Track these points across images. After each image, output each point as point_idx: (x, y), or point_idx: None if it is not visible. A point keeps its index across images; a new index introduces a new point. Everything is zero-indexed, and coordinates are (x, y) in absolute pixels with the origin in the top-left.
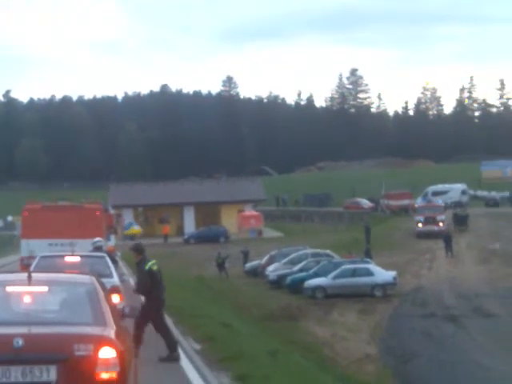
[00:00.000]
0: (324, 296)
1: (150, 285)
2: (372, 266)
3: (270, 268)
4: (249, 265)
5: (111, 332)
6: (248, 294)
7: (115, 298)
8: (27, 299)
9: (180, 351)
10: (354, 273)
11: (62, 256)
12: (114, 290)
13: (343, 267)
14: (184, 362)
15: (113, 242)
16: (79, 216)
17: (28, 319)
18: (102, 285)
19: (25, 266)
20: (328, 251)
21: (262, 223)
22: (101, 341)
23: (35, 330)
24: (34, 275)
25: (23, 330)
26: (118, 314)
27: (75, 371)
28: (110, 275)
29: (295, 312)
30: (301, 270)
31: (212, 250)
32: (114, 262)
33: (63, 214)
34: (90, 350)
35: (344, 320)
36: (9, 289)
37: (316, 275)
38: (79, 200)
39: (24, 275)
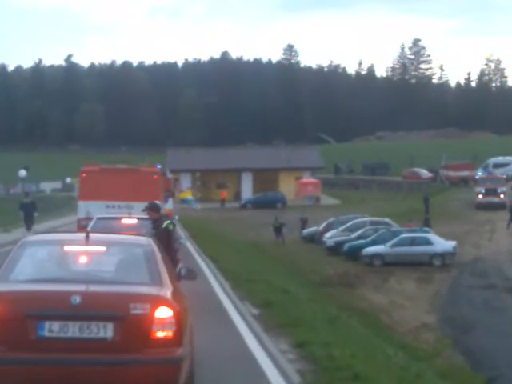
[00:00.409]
0: (381, 264)
1: (165, 243)
2: (431, 235)
3: (328, 235)
4: (306, 231)
5: (167, 292)
6: (305, 260)
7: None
8: (85, 258)
9: (237, 315)
10: (413, 241)
11: (119, 218)
12: None
13: (402, 235)
14: (241, 327)
15: (170, 205)
16: (137, 179)
17: (85, 278)
18: (159, 246)
19: (82, 228)
20: (387, 219)
21: (320, 190)
22: (157, 300)
23: (92, 288)
24: (92, 235)
25: (81, 287)
26: (175, 276)
27: (131, 329)
28: None
29: (352, 279)
30: (359, 238)
31: (269, 215)
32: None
33: (121, 177)
34: (146, 309)
35: (402, 288)
36: (67, 248)
37: (374, 243)
38: (137, 163)
39: (82, 235)
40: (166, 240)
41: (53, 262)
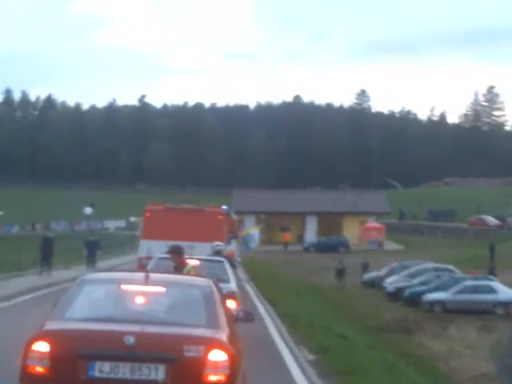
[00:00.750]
0: (442, 311)
1: None
2: (495, 284)
3: (389, 280)
4: (367, 276)
5: (223, 335)
6: (364, 305)
7: (231, 304)
8: (142, 298)
9: (292, 360)
10: (476, 289)
11: None
12: (231, 295)
13: (465, 283)
14: (296, 373)
15: (233, 246)
16: (201, 219)
17: (141, 318)
18: (219, 289)
19: (142, 267)
20: (450, 266)
21: (384, 235)
22: (212, 343)
23: (147, 328)
24: (152, 275)
25: (135, 328)
26: (233, 319)
27: (184, 372)
28: (227, 280)
29: (411, 325)
30: (421, 284)
31: (331, 259)
32: (233, 266)
33: (185, 217)
34: (200, 351)
35: (462, 336)
36: (125, 287)
37: (436, 289)
38: (202, 204)
39: (141, 274)
40: None
41: (109, 301)
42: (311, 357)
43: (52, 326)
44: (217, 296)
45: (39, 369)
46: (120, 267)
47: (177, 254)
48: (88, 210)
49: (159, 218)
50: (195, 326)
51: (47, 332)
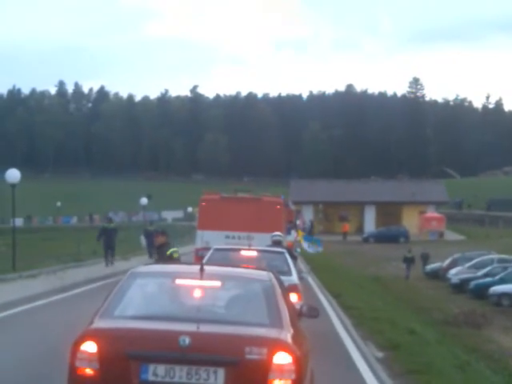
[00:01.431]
0: (510, 304)
1: None
2: None
3: (453, 271)
4: (429, 267)
5: (288, 335)
6: (428, 297)
7: (293, 298)
8: (197, 294)
9: (360, 358)
10: None
11: (238, 249)
12: (293, 288)
13: None
14: (365, 372)
15: (293, 237)
16: (259, 209)
17: (197, 316)
18: (281, 282)
19: (199, 258)
20: None
21: (444, 225)
22: (276, 344)
23: (204, 328)
24: (207, 268)
25: (191, 327)
26: (296, 315)
27: (245, 376)
28: (288, 272)
29: (479, 319)
30: (486, 275)
31: (391, 250)
32: (293, 257)
33: (242, 206)
34: (263, 354)
35: None
36: (179, 281)
37: (502, 281)
38: (259, 193)
39: (196, 268)
40: None
41: (161, 297)
42: (380, 354)
43: (100, 324)
44: (278, 290)
45: (88, 371)
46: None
47: (160, 234)
48: (144, 201)
49: (215, 207)
50: (257, 325)
51: (95, 331)
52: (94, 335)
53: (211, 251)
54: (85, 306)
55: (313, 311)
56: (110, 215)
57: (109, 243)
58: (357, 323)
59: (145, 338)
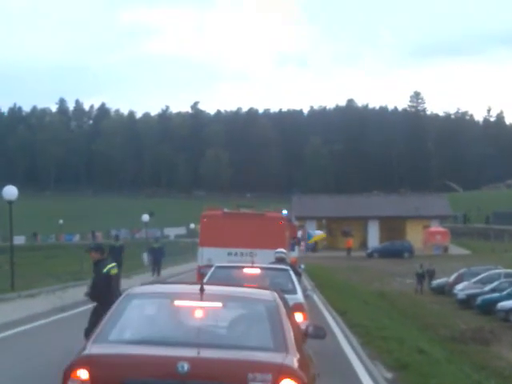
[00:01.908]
0: None
1: (104, 290)
2: None
3: (459, 286)
4: (435, 282)
5: (293, 360)
6: (434, 313)
7: (298, 317)
8: (197, 316)
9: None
10: None
11: (240, 267)
12: (298, 307)
13: None
14: None
15: (296, 253)
16: (261, 224)
17: (196, 340)
18: (285, 302)
19: (201, 276)
20: None
21: (449, 240)
22: (281, 370)
23: (204, 353)
24: (207, 288)
25: (190, 352)
26: (302, 336)
27: None
28: (293, 291)
29: (487, 335)
30: (493, 291)
31: (396, 265)
32: (297, 274)
33: (244, 222)
34: (267, 380)
35: None
36: (177, 303)
37: (510, 297)
38: (262, 209)
39: (196, 288)
40: (104, 288)
41: (159, 320)
42: (389, 375)
43: (93, 349)
44: (283, 311)
45: None
46: (179, 276)
47: (95, 251)
48: (146, 218)
49: (217, 223)
50: (260, 350)
51: (87, 357)
52: (87, 362)
53: (212, 269)
54: (84, 326)
55: (319, 331)
56: (116, 233)
57: (116, 261)
58: (364, 342)
59: (141, 365)
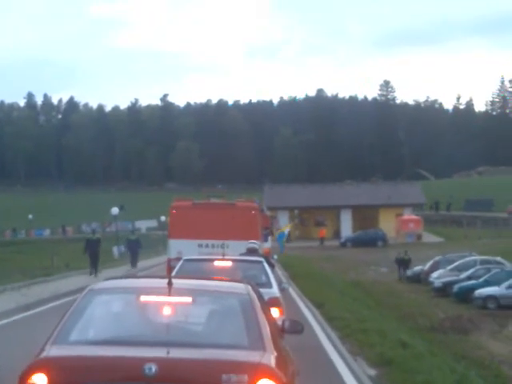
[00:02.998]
0: (496, 307)
1: None
2: None
3: (435, 275)
4: (411, 270)
5: (271, 358)
6: (411, 302)
7: (274, 312)
8: (165, 313)
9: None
10: None
11: (211, 259)
12: (274, 302)
13: None
14: None
15: (269, 243)
16: (233, 215)
17: (165, 339)
18: (260, 295)
19: (171, 269)
20: (498, 258)
21: (422, 227)
22: (258, 370)
23: (173, 353)
24: (176, 282)
25: (158, 353)
26: (279, 332)
27: None
28: (268, 284)
29: (466, 324)
30: (469, 278)
31: (369, 254)
32: (271, 266)
33: (215, 213)
34: (243, 381)
35: None
36: (143, 298)
37: (487, 284)
38: (233, 199)
39: (163, 282)
40: None
41: (124, 317)
42: (372, 371)
43: (52, 352)
44: (258, 305)
45: None
46: (150, 270)
47: None
48: (115, 211)
49: (187, 215)
50: (235, 348)
51: (45, 360)
52: (45, 366)
53: (181, 262)
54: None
55: (296, 326)
56: (93, 227)
57: (92, 254)
58: (343, 336)
59: (104, 368)
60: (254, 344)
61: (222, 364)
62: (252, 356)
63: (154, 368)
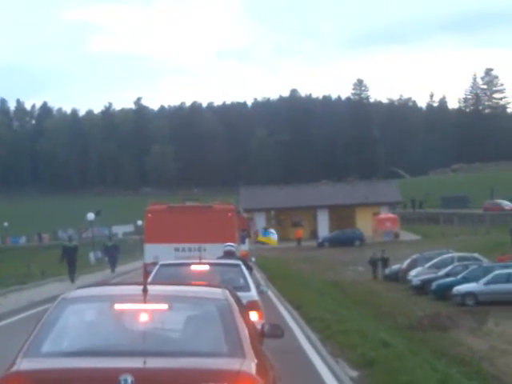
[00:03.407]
0: (475, 303)
1: None
2: None
3: (413, 273)
4: (389, 269)
5: (251, 365)
6: (390, 301)
7: (253, 316)
8: (141, 321)
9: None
10: (509, 278)
11: (187, 264)
12: (252, 305)
13: (496, 272)
14: None
15: (247, 246)
16: (209, 217)
17: (141, 348)
18: (238, 300)
19: (148, 274)
20: (476, 254)
21: (399, 226)
22: (238, 378)
23: (150, 363)
24: (151, 288)
25: (134, 363)
26: (258, 337)
27: None
28: (246, 288)
29: (444, 321)
30: (447, 275)
31: (347, 253)
32: (249, 268)
33: (191, 216)
34: None
35: (501, 331)
36: (118, 306)
37: (465, 280)
38: (208, 202)
39: (138, 288)
40: None
41: (98, 327)
42: (354, 373)
43: (23, 365)
44: (236, 310)
45: None
46: (127, 275)
47: None
48: (91, 216)
49: (162, 218)
50: (214, 356)
51: (16, 374)
52: (15, 380)
53: (157, 267)
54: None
55: (276, 330)
56: (69, 233)
57: (69, 262)
58: (324, 337)
59: (78, 380)
60: (233, 351)
61: (201, 373)
62: (232, 364)
63: (129, 379)
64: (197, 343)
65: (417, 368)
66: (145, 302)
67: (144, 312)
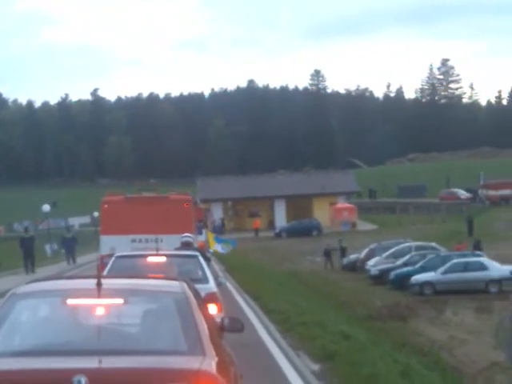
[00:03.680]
0: (433, 293)
1: None
2: (485, 260)
3: (371, 262)
4: (347, 259)
5: (212, 363)
6: (348, 291)
7: (212, 309)
8: (95, 317)
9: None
10: (466, 267)
11: (144, 255)
12: (211, 298)
13: (454, 261)
14: None
15: (204, 237)
16: (166, 208)
17: (95, 347)
18: (196, 293)
19: (104, 266)
20: (433, 243)
21: (356, 215)
22: (198, 378)
23: (105, 362)
24: (106, 282)
25: (88, 362)
26: (218, 332)
27: None
28: (204, 279)
29: (403, 311)
30: (405, 265)
31: (304, 243)
32: (207, 259)
33: (148, 206)
34: None
35: (460, 320)
36: (70, 302)
37: (423, 270)
38: (165, 192)
39: (92, 282)
40: None
41: (50, 324)
42: (316, 366)
43: None
44: (194, 303)
45: None
46: (82, 268)
47: None
48: (46, 208)
49: (119, 209)
50: (172, 354)
51: None
52: None
53: (113, 259)
54: None
55: (236, 324)
56: (25, 225)
57: (27, 252)
58: (284, 329)
59: (28, 383)
60: (192, 349)
61: (159, 372)
62: (191, 362)
63: (83, 380)
64: (154, 340)
65: (378, 360)
66: (99, 296)
67: (98, 307)
